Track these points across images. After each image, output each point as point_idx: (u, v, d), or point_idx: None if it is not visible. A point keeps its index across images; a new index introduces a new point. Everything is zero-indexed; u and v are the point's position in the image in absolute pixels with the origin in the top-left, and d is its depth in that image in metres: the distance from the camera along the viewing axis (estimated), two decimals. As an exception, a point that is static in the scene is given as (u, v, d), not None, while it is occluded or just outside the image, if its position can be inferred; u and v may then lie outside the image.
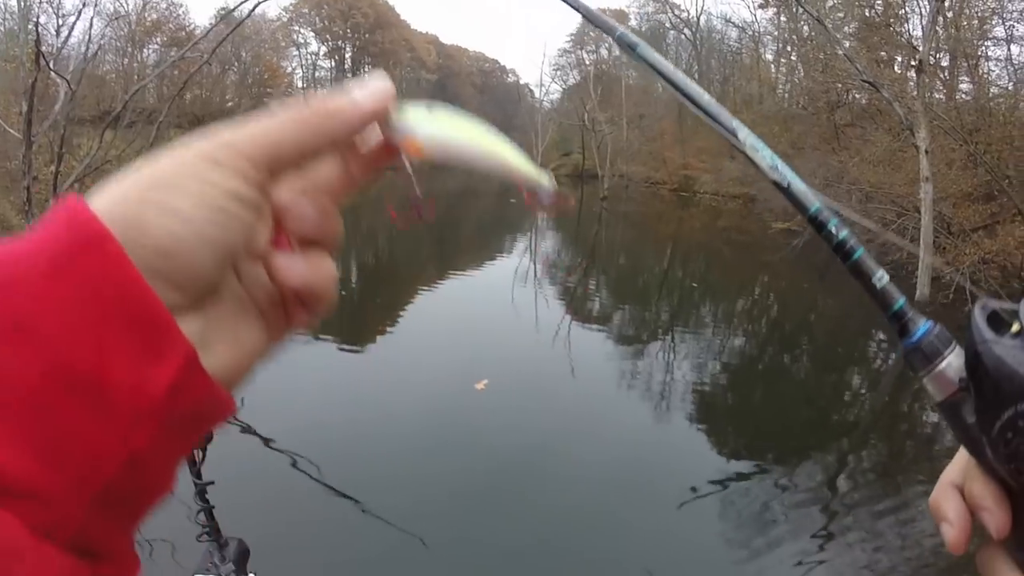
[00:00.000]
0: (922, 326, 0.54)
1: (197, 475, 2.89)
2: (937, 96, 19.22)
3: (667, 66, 0.67)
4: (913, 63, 16.16)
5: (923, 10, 24.61)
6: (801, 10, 36.17)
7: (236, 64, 44.93)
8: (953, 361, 0.52)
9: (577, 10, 0.79)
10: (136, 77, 25.97)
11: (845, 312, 15.24)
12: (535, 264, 19.53)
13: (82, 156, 17.66)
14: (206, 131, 0.40)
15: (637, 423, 8.41)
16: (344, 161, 0.48)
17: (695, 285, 18.00)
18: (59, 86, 15.08)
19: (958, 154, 17.83)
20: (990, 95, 20.66)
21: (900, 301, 0.56)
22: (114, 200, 0.36)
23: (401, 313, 13.01)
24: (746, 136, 0.61)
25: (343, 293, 14.60)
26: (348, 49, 67.91)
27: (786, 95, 43.03)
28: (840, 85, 25.28)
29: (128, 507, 0.37)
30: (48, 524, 0.32)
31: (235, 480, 5.51)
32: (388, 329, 11.97)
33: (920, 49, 14.89)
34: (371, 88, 0.45)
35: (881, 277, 0.56)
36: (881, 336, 12.73)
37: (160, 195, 0.37)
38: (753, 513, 6.39)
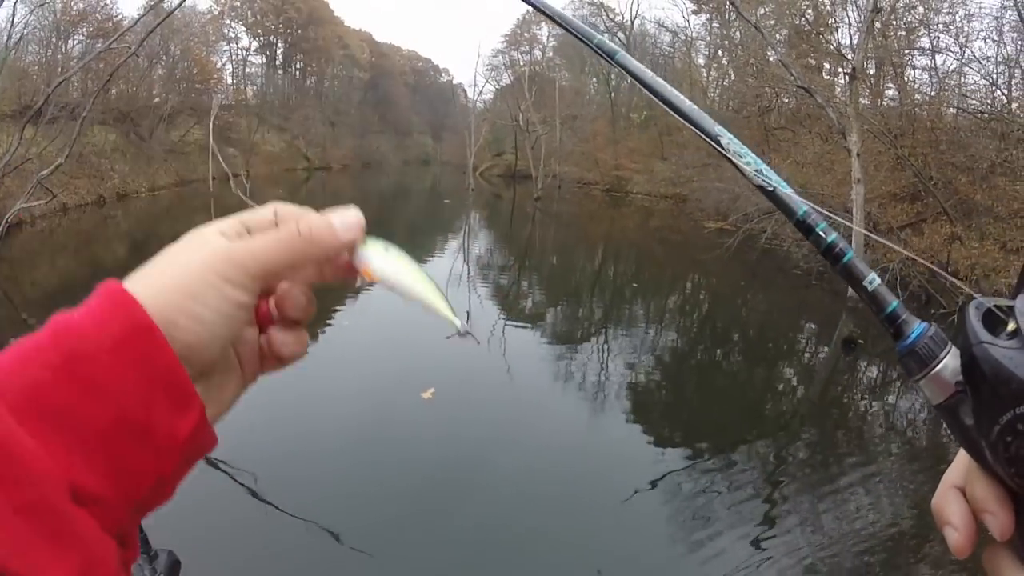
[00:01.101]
0: (916, 328, 0.54)
1: None
2: (864, 102, 19.67)
3: (647, 73, 0.69)
4: (844, 70, 16.58)
5: (851, 20, 25.41)
6: (733, 16, 37.18)
7: (164, 58, 43.75)
8: (949, 363, 0.52)
9: (552, 19, 0.83)
10: (60, 70, 24.98)
11: (776, 309, 15.50)
12: (468, 264, 19.51)
13: (0, 154, 16.85)
14: (210, 234, 0.55)
15: (575, 423, 8.43)
16: (319, 268, 0.61)
17: (635, 285, 18.10)
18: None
19: (885, 157, 18.30)
20: (915, 101, 21.25)
21: (893, 303, 0.56)
22: (154, 296, 0.49)
23: (332, 315, 12.82)
24: (728, 142, 0.62)
25: None
26: (280, 45, 66.62)
27: (716, 98, 43.59)
28: (770, 90, 25.77)
29: (147, 510, 0.51)
30: (109, 522, 0.45)
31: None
32: (321, 332, 11.75)
33: (853, 57, 15.19)
34: (349, 221, 0.58)
35: (872, 280, 0.57)
36: (810, 329, 12.93)
37: (186, 303, 0.50)
38: (695, 507, 6.46)
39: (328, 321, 11.82)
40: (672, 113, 0.66)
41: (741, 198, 20.73)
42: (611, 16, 52.42)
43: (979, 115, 18.35)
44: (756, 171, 0.62)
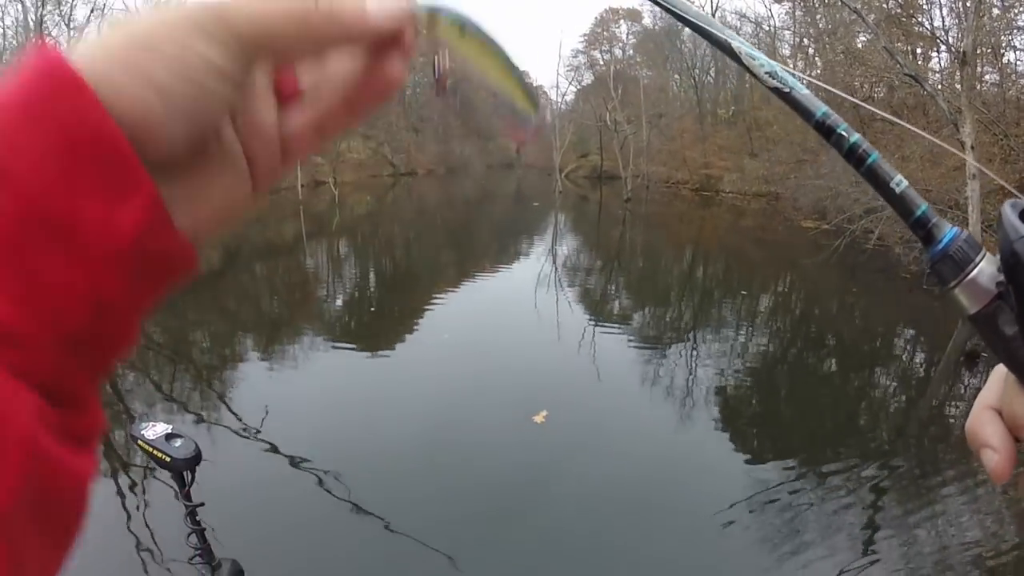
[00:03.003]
0: (949, 232, 0.52)
1: (187, 496, 2.96)
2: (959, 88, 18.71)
3: None
4: (939, 54, 15.66)
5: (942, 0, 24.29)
6: (818, 3, 36.14)
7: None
8: (985, 268, 0.49)
9: None
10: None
11: (879, 315, 14.78)
12: (556, 268, 19.26)
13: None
14: None
15: (662, 429, 8.26)
16: (362, 67, 0.47)
17: (744, 293, 17.54)
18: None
19: (996, 148, 17.31)
20: (1021, 86, 20.23)
21: (923, 206, 0.53)
22: (93, 52, 0.36)
23: (419, 321, 13.04)
24: (739, 46, 0.60)
25: (367, 305, 14.58)
26: (361, 54, 67.85)
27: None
28: (860, 80, 24.80)
29: (95, 354, 0.38)
30: (21, 365, 0.34)
31: (229, 499, 5.53)
32: (405, 337, 12.02)
33: (962, 40, 14.24)
34: (387, 7, 0.44)
35: (900, 182, 0.55)
36: (917, 338, 12.27)
37: (138, 57, 0.37)
38: (783, 520, 6.22)
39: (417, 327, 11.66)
40: (682, 22, 0.62)
41: (842, 196, 19.95)
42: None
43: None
44: (769, 73, 0.59)
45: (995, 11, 20.28)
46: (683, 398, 9.16)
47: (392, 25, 0.44)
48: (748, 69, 0.60)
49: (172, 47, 0.37)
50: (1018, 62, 22.59)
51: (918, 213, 0.53)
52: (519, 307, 14.02)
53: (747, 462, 7.46)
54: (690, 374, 10.28)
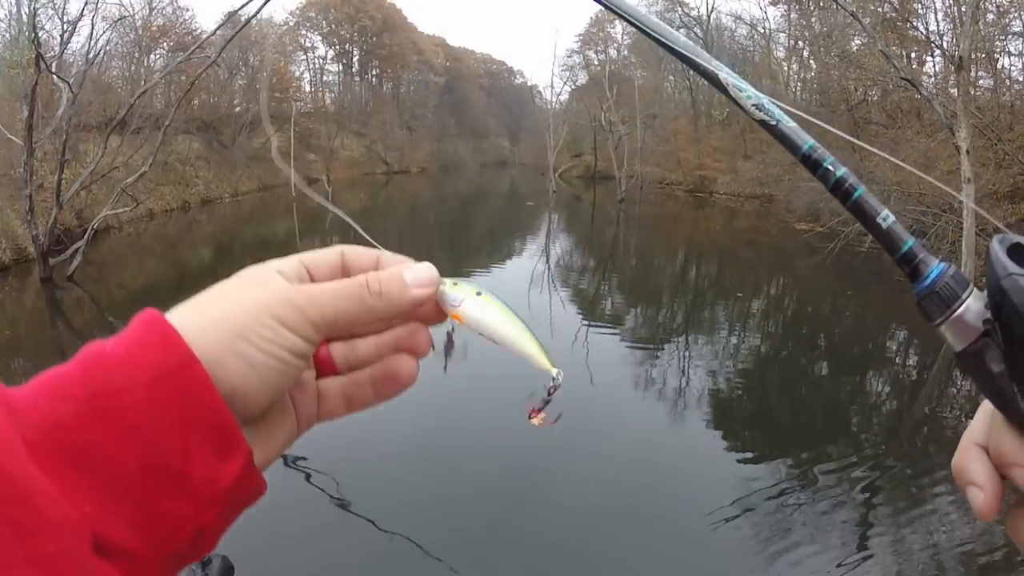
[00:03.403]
0: (935, 268, 0.51)
1: None
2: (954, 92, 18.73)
3: (645, 15, 0.64)
4: (933, 58, 15.66)
5: (937, 5, 24.32)
6: (813, 6, 36.23)
7: (244, 69, 44.63)
8: (972, 304, 0.49)
9: None
10: (143, 82, 25.55)
11: (871, 317, 14.77)
12: (550, 267, 19.27)
13: (88, 163, 17.29)
14: (273, 270, 0.52)
15: (655, 430, 8.28)
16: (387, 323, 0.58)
17: (739, 295, 17.49)
18: (62, 91, 14.69)
19: (990, 153, 17.33)
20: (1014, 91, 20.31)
21: (909, 242, 0.53)
22: (200, 331, 0.46)
23: None
24: (727, 77, 0.60)
25: None
26: (356, 52, 67.66)
27: (797, 92, 42.61)
28: (853, 82, 24.84)
29: (184, 563, 0.47)
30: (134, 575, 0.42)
31: None
32: None
33: (958, 45, 14.22)
34: (422, 277, 0.56)
35: (886, 217, 0.54)
36: (909, 340, 12.27)
37: (239, 344, 0.46)
38: (775, 521, 6.25)
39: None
40: (669, 52, 0.62)
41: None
42: (686, 11, 51.74)
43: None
44: (756, 105, 0.58)
45: (990, 16, 20.36)
46: (676, 399, 9.17)
47: (425, 293, 0.55)
48: (735, 101, 0.59)
49: (265, 338, 0.47)
50: (1012, 67, 22.71)
51: (904, 249, 0.52)
52: (512, 306, 13.94)
53: (739, 462, 7.48)
54: (683, 375, 10.30)
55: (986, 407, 0.49)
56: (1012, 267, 0.44)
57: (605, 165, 46.96)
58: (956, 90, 14.30)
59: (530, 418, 0.63)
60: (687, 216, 35.71)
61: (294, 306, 0.49)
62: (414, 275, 0.55)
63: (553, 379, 0.61)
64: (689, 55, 0.61)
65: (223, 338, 0.46)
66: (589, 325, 12.87)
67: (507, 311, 0.60)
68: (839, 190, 0.55)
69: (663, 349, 11.74)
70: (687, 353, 11.67)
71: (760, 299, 17.42)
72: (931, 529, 6.20)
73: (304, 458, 6.78)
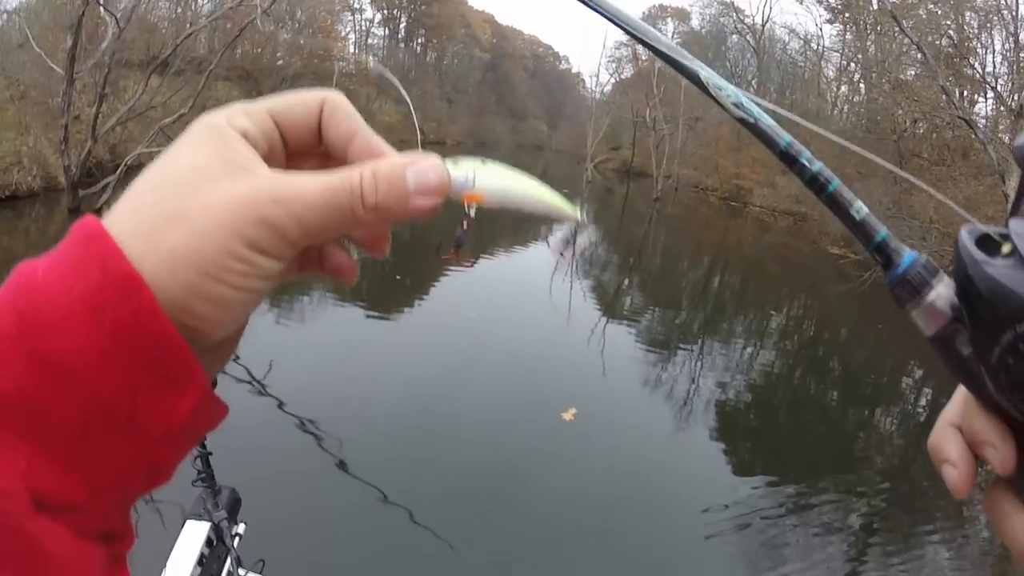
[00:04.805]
0: (907, 256, 0.52)
1: None
2: (1005, 137, 18.32)
3: (627, 15, 0.66)
4: (998, 100, 15.25)
5: (996, 46, 23.88)
6: (869, 29, 35.70)
7: (290, 22, 44.60)
8: (943, 291, 0.50)
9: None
10: (188, 25, 25.53)
11: (890, 346, 14.55)
12: (575, 257, 19.19)
13: (127, 99, 17.24)
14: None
15: (659, 431, 8.40)
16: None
17: (773, 312, 17.39)
18: (108, 25, 14.61)
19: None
20: None
21: (882, 232, 0.54)
22: (160, 271, 0.38)
23: (430, 293, 13.43)
24: (708, 76, 0.60)
25: (382, 269, 14.50)
26: (403, 19, 67.43)
27: (843, 115, 42.20)
28: (902, 111, 24.49)
29: (136, 498, 0.43)
30: (86, 528, 0.38)
31: (237, 429, 5.49)
32: (416, 305, 12.44)
33: (1022, 92, 13.86)
34: (429, 184, 0.46)
35: (860, 209, 0.55)
36: (926, 372, 12.07)
37: (207, 286, 0.39)
38: (766, 537, 6.31)
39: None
40: (651, 51, 0.63)
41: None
42: (741, 18, 51.34)
43: None
44: (735, 104, 0.59)
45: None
46: (683, 405, 9.18)
47: (433, 205, 0.46)
48: (715, 99, 0.59)
49: (237, 271, 0.40)
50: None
51: (878, 239, 0.53)
52: (534, 292, 14.04)
53: (737, 475, 7.53)
54: (692, 382, 10.29)
55: (962, 389, 0.51)
56: (978, 255, 0.45)
57: (640, 162, 46.75)
58: (1009, 136, 13.95)
59: (557, 257, 0.49)
60: (718, 224, 35.58)
61: (273, 226, 0.40)
62: (419, 181, 0.45)
63: (579, 223, 0.60)
64: (671, 55, 0.61)
65: (188, 279, 0.38)
66: (608, 319, 12.89)
67: (513, 169, 0.54)
68: (815, 184, 0.55)
69: (677, 353, 11.72)
70: (700, 360, 11.64)
71: (781, 316, 17.40)
72: (922, 569, 6.27)
73: (312, 420, 6.95)
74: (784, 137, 0.56)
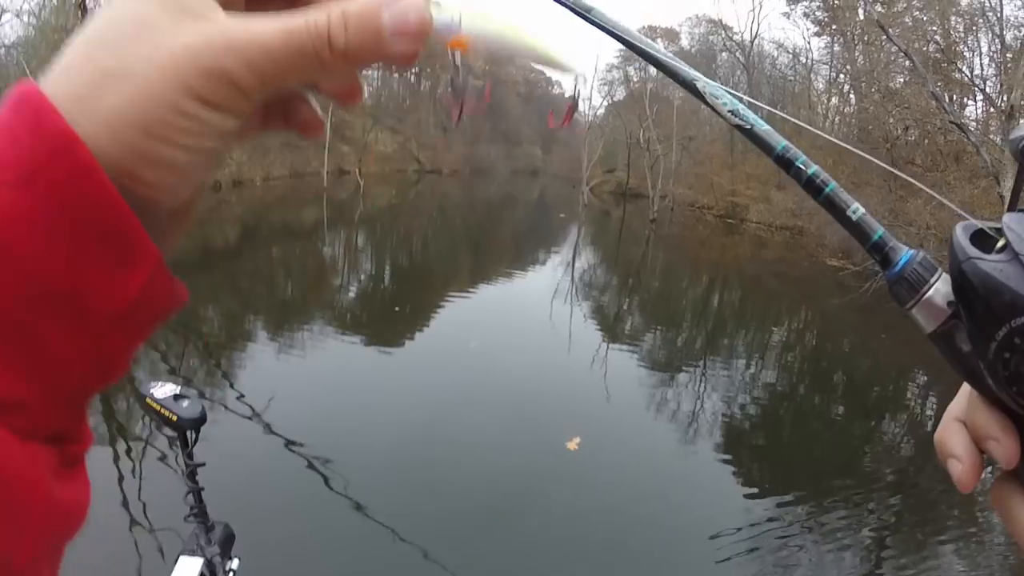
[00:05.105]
0: (904, 254, 0.54)
1: (189, 456, 3.04)
2: (996, 139, 18.50)
3: (625, 27, 0.66)
4: (987, 102, 15.40)
5: (983, 49, 24.14)
6: (856, 40, 35.98)
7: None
8: (940, 287, 0.52)
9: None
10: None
11: (896, 358, 14.55)
12: (574, 281, 19.20)
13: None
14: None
15: (664, 451, 8.35)
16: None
17: (774, 329, 17.42)
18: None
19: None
20: None
21: (879, 231, 0.56)
22: (98, 133, 0.34)
23: (431, 322, 13.24)
24: (704, 86, 0.63)
25: (380, 299, 14.52)
26: (397, 48, 67.84)
27: (834, 126, 42.46)
28: (893, 120, 24.67)
29: (91, 392, 0.39)
30: (29, 428, 0.34)
31: (224, 470, 5.55)
32: (416, 336, 12.21)
33: (1014, 92, 14.00)
34: (408, 22, 0.39)
35: (856, 210, 0.57)
36: (932, 383, 12.09)
37: (153, 148, 0.35)
38: (778, 558, 6.24)
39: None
40: (649, 62, 0.65)
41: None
42: (730, 35, 51.65)
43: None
44: (731, 111, 0.62)
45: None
46: (687, 425, 9.12)
47: (411, 50, 0.40)
48: (713, 108, 0.61)
49: (185, 129, 0.35)
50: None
51: (875, 238, 0.55)
52: (534, 317, 13.99)
53: (746, 496, 7.41)
54: (697, 401, 10.23)
55: (966, 384, 0.51)
56: (972, 251, 0.46)
57: (636, 183, 46.85)
58: (1001, 138, 14.08)
59: (562, 124, 0.59)
60: (716, 241, 35.57)
61: (226, 76, 0.35)
62: (396, 21, 0.38)
63: (577, 75, 0.56)
64: (669, 64, 0.63)
65: (130, 140, 0.34)
66: (609, 343, 12.82)
67: (505, 12, 0.48)
68: (812, 185, 0.57)
69: (680, 373, 11.66)
70: (703, 380, 11.58)
71: (783, 331, 17.38)
72: None
73: (303, 444, 6.96)
74: (780, 141, 0.59)
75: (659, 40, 61.58)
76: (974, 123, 22.05)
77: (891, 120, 25.39)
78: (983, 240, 0.48)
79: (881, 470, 8.89)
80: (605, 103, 60.99)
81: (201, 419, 3.13)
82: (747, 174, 43.11)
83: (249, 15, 0.38)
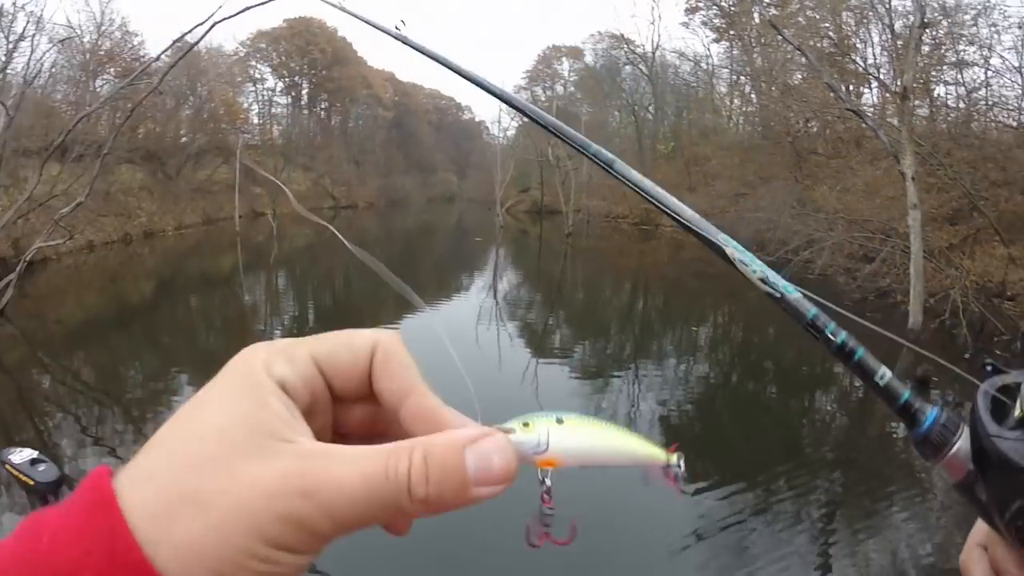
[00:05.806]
0: (930, 415, 0.57)
1: None
2: (893, 122, 19.40)
3: (646, 182, 0.73)
4: (883, 88, 16.03)
5: (875, 39, 25.16)
6: (753, 43, 37.02)
7: (191, 98, 44.06)
8: (962, 445, 0.55)
9: (555, 133, 0.81)
10: (88, 107, 25.27)
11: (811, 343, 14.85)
12: (498, 302, 19.23)
13: (27, 190, 16.74)
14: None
15: None
16: None
17: (695, 328, 17.65)
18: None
19: (933, 179, 17.79)
20: (949, 119, 21.17)
21: (905, 394, 0.58)
22: (170, 564, 0.33)
23: None
24: (734, 250, 0.65)
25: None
26: (305, 85, 67.12)
27: (738, 126, 43.50)
28: (794, 114, 25.43)
29: None
30: None
31: None
32: None
33: (903, 76, 14.49)
34: (493, 472, 0.39)
35: (883, 375, 0.59)
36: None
37: None
38: (730, 542, 6.31)
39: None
40: (674, 219, 0.68)
41: (781, 227, 20.24)
42: (632, 48, 52.48)
43: (1009, 128, 17.99)
44: (762, 278, 0.64)
45: (925, 48, 21.01)
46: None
47: (492, 493, 0.39)
48: (742, 273, 0.64)
49: (255, 568, 0.34)
50: (947, 95, 23.50)
51: (902, 401, 0.58)
52: (462, 340, 13.86)
53: (694, 493, 7.37)
54: (632, 405, 10.36)
55: None
56: (993, 428, 0.50)
57: (552, 200, 47.14)
58: (898, 119, 14.59)
59: (672, 483, 0.51)
60: (633, 249, 36.00)
61: (301, 523, 0.34)
62: (480, 467, 0.38)
63: (675, 464, 0.51)
64: (695, 228, 0.66)
65: (197, 564, 0.33)
66: (538, 359, 12.80)
67: (594, 420, 0.48)
68: (842, 352, 0.61)
69: (613, 379, 11.74)
70: (636, 383, 11.69)
71: (708, 327, 17.76)
72: (891, 544, 6.28)
73: None
74: (811, 309, 0.63)
75: (564, 59, 62.47)
76: (871, 109, 22.86)
77: (791, 114, 26.13)
78: (1001, 409, 0.53)
79: (820, 447, 9.10)
80: (514, 124, 61.52)
81: (58, 482, 3.19)
82: (657, 180, 43.41)
83: (329, 448, 0.37)
